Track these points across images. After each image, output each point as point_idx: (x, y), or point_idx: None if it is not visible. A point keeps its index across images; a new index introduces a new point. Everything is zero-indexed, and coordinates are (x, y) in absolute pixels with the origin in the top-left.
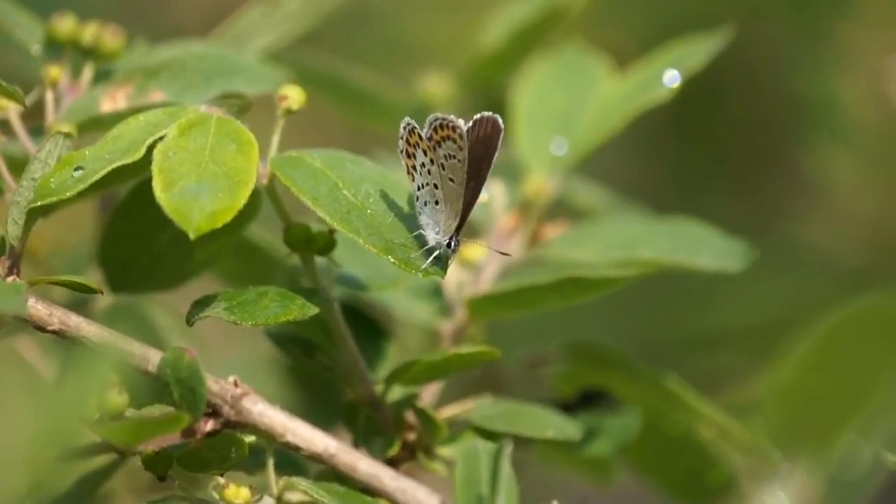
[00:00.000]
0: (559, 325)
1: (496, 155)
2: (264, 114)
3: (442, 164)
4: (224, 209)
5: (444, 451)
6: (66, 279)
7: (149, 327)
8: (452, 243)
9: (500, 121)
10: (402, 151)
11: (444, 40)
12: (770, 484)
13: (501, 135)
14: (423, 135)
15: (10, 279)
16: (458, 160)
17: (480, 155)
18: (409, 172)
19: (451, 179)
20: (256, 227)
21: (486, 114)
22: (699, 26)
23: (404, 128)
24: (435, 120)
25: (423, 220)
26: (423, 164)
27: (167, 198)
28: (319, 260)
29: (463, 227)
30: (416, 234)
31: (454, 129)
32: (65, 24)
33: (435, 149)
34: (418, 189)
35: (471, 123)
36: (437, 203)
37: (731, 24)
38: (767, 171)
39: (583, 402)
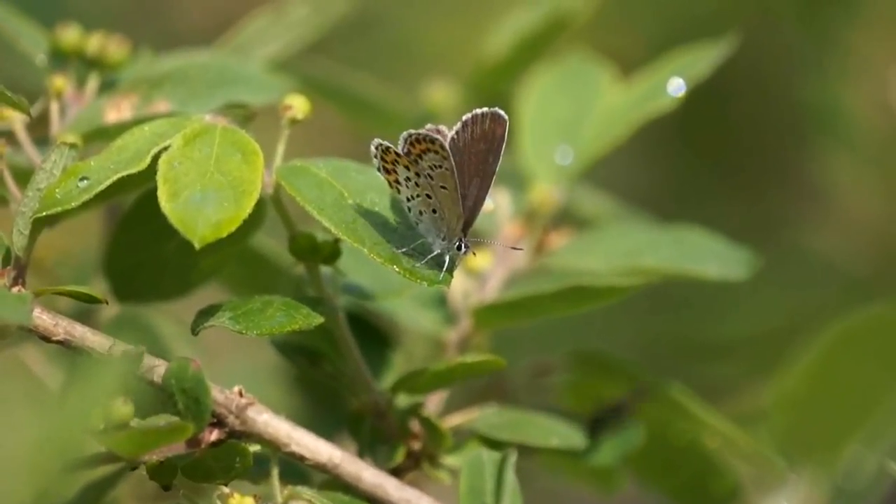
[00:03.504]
0: (565, 333)
1: (503, 148)
2: (270, 122)
3: (429, 175)
4: (229, 219)
5: (449, 460)
6: (71, 289)
7: (154, 337)
8: (462, 245)
9: (503, 113)
10: (378, 169)
11: (450, 48)
12: (775, 493)
13: (506, 126)
14: (399, 152)
15: (15, 289)
16: (446, 168)
17: (483, 150)
18: (392, 186)
19: (443, 187)
20: (262, 237)
21: (482, 109)
22: (705, 34)
23: (376, 148)
24: (409, 136)
25: (423, 228)
26: (407, 178)
27: (172, 207)
28: (324, 269)
29: (471, 226)
30: (419, 242)
31: (432, 141)
32: (69, 34)
33: (416, 162)
34: (409, 200)
35: (459, 124)
36: (434, 211)
37: (736, 32)
38: (772, 179)
39: (612, 413)
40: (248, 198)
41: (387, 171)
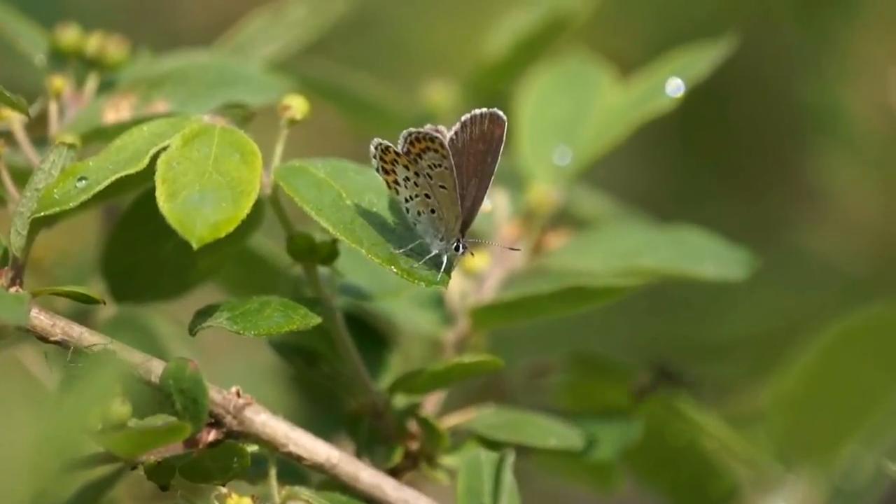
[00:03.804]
0: (562, 333)
1: (501, 148)
2: (269, 123)
3: (428, 174)
4: (227, 219)
5: (447, 460)
6: (68, 290)
7: (151, 337)
8: (460, 246)
9: (501, 113)
10: (378, 170)
11: (449, 48)
12: (773, 493)
13: (504, 127)
14: (399, 151)
15: (12, 290)
16: (445, 168)
17: (481, 151)
18: (390, 187)
19: (442, 186)
20: (260, 237)
21: (480, 110)
22: (704, 34)
23: (375, 148)
24: (409, 135)
25: (421, 229)
26: (406, 178)
27: (170, 208)
28: (322, 269)
29: (469, 227)
30: (417, 243)
31: (432, 139)
32: (68, 35)
33: (416, 161)
34: (407, 201)
35: (458, 125)
36: (432, 211)
37: (735, 33)
38: (771, 180)
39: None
40: (246, 198)
41: (385, 172)
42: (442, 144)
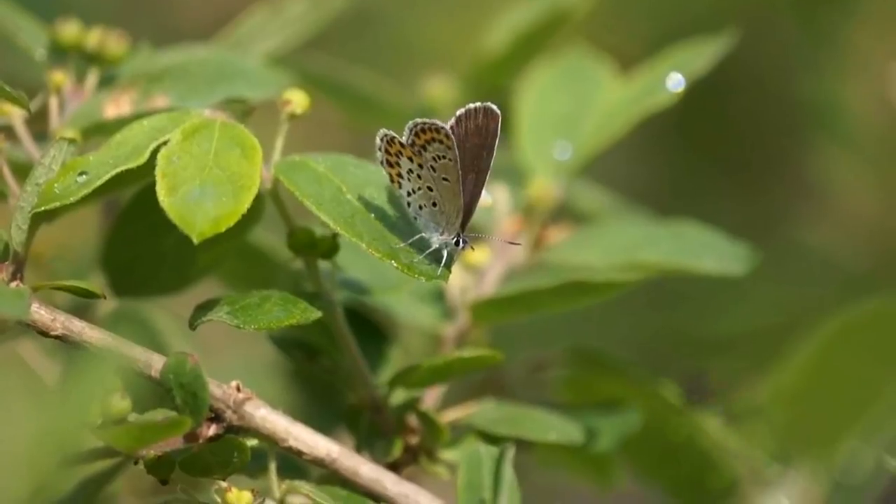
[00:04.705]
0: (562, 328)
1: (496, 142)
2: (269, 118)
3: (432, 167)
4: (228, 214)
5: (447, 454)
6: (69, 284)
7: (152, 332)
8: (460, 240)
9: (495, 107)
10: (382, 162)
11: (448, 44)
12: (773, 488)
13: (498, 121)
14: (403, 142)
15: (13, 284)
16: (449, 159)
17: (477, 145)
18: (393, 181)
19: (445, 179)
20: (260, 231)
21: (475, 104)
22: (703, 30)
23: (381, 139)
24: (415, 125)
25: (422, 223)
26: (410, 171)
27: (171, 202)
28: (322, 264)
29: (469, 222)
30: (417, 237)
31: (437, 130)
32: (69, 30)
33: (420, 153)
34: (409, 195)
35: (454, 120)
36: (434, 205)
37: (735, 28)
38: (771, 175)
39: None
40: (246, 192)
41: (390, 165)
42: (447, 135)
